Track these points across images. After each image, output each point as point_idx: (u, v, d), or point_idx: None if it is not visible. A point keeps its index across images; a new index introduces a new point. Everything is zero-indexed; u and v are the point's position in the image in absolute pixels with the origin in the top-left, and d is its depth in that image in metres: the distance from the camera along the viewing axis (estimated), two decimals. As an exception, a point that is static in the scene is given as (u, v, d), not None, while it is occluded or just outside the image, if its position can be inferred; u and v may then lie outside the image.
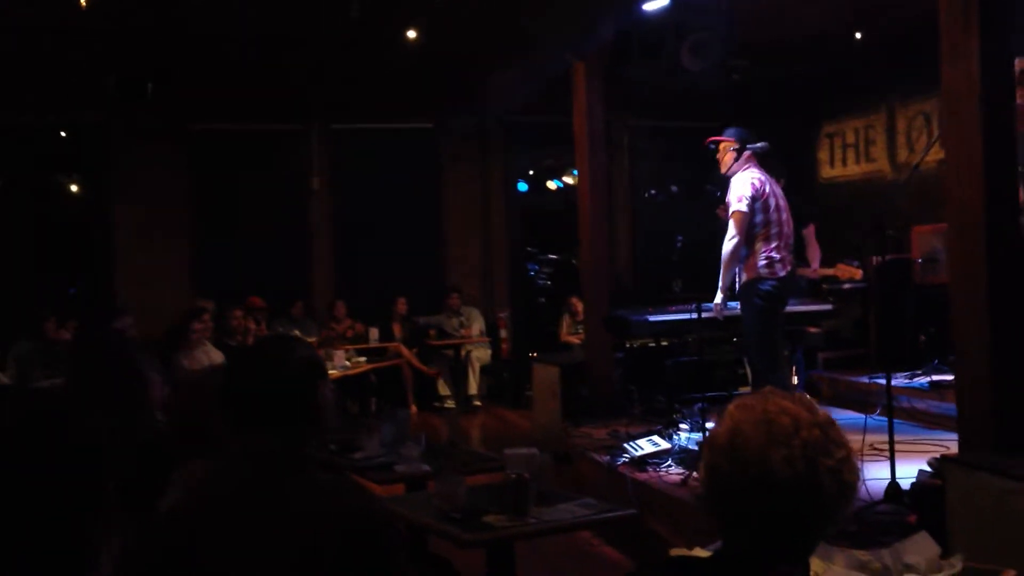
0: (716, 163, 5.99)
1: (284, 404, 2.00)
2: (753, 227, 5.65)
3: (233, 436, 2.03)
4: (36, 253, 10.24)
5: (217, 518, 1.91)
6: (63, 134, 10.56)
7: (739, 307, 5.82)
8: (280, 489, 1.94)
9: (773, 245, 5.66)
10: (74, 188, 10.99)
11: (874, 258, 7.93)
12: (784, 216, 5.76)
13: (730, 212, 5.68)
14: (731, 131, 5.93)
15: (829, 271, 7.76)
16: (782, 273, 5.68)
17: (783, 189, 5.98)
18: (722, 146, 5.89)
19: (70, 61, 9.06)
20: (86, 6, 5.83)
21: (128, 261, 10.35)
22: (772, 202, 5.69)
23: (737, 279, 5.81)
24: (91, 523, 1.32)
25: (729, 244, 5.64)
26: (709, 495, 1.68)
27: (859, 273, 7.25)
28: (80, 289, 10.65)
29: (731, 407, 1.71)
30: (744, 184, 5.66)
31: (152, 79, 8.83)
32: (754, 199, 5.61)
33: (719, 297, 5.77)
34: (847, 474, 1.63)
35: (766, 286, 5.63)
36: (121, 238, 10.38)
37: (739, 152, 5.79)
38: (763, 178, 5.75)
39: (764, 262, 5.64)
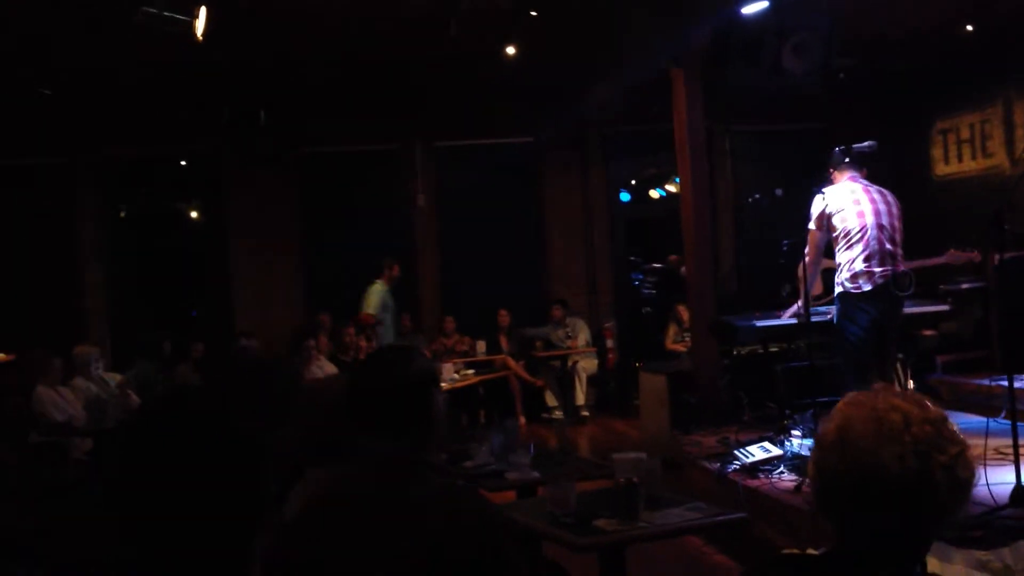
0: (820, 166, 6.10)
1: (402, 410, 2.09)
2: (833, 241, 5.81)
3: (355, 443, 2.12)
4: (157, 278, 10.79)
5: (343, 523, 1.99)
6: (182, 163, 11.10)
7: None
8: (403, 493, 2.01)
9: (857, 256, 5.67)
10: (192, 215, 11.52)
11: (994, 255, 7.62)
12: (874, 220, 5.67)
13: None
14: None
15: (939, 260, 7.45)
16: (867, 287, 5.64)
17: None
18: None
19: (186, 93, 9.53)
20: (202, 41, 6.12)
21: (244, 282, 10.79)
22: (855, 210, 5.70)
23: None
24: (254, 525, 1.36)
25: (804, 260, 5.97)
26: (820, 493, 1.69)
27: (978, 256, 6.94)
28: (201, 311, 11.14)
29: (840, 404, 1.70)
30: (815, 203, 5.85)
31: (263, 107, 9.21)
32: (821, 217, 5.80)
33: (793, 308, 6.22)
34: (962, 471, 1.61)
35: (846, 302, 5.72)
36: (237, 260, 10.82)
37: (838, 167, 5.88)
38: (847, 189, 5.78)
39: (847, 275, 5.71)
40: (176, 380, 8.45)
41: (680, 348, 10.05)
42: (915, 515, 1.59)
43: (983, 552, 2.05)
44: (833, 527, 1.69)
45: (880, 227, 5.67)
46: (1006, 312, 6.75)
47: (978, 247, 6.97)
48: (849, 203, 5.72)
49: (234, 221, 10.86)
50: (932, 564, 2.09)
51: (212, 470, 1.32)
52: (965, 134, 9.97)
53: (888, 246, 5.68)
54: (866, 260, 5.63)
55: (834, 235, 5.78)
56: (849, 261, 5.68)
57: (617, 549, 3.22)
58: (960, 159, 10.08)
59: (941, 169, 10.34)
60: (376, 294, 9.38)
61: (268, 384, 2.85)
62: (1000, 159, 9.47)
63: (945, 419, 1.64)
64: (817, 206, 5.83)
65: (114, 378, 7.66)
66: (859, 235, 5.66)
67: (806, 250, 5.95)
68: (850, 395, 1.70)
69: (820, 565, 1.72)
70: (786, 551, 2.06)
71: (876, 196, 5.77)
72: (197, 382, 7.85)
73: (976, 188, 9.57)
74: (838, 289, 5.77)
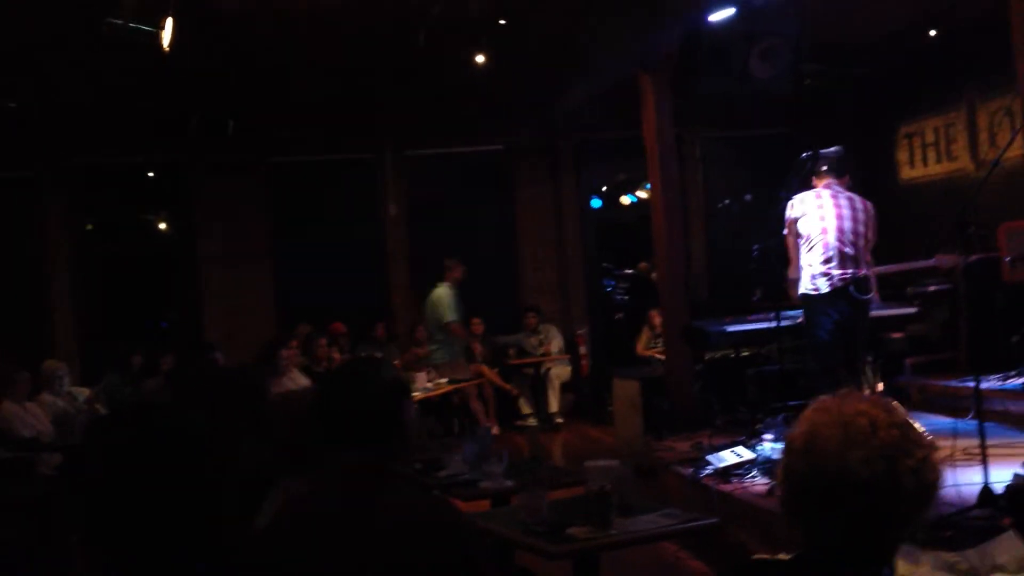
0: (788, 171, 6.20)
1: (372, 422, 2.09)
2: (798, 244, 5.96)
3: (326, 454, 2.11)
4: (126, 290, 10.67)
5: (313, 533, 1.99)
6: (150, 174, 10.99)
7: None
8: (372, 504, 2.02)
9: (816, 259, 5.82)
10: (161, 225, 11.41)
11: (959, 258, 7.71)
12: (836, 224, 5.81)
13: None
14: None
15: (927, 263, 7.52)
16: (826, 289, 5.80)
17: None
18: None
19: (153, 103, 9.44)
20: (170, 50, 6.08)
21: (215, 293, 10.70)
22: (817, 215, 5.85)
23: None
24: (217, 530, 1.37)
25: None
26: (789, 497, 1.70)
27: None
28: (171, 323, 11.03)
29: (808, 410, 1.72)
30: (787, 209, 6.01)
31: (232, 116, 9.15)
32: (790, 222, 5.97)
33: None
34: (928, 474, 1.62)
35: (809, 304, 5.87)
36: (207, 271, 10.73)
37: (818, 174, 6.01)
38: (815, 195, 5.92)
39: (808, 277, 5.87)
40: (145, 394, 8.34)
41: (653, 354, 10.08)
42: (883, 518, 1.60)
43: (950, 554, 2.07)
44: (802, 531, 1.70)
45: (840, 231, 5.81)
46: (973, 314, 6.86)
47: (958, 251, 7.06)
48: (813, 208, 5.90)
49: (203, 231, 10.77)
50: (900, 566, 2.11)
51: (174, 478, 1.34)
52: (930, 138, 10.09)
53: (848, 250, 5.81)
54: (824, 263, 5.80)
55: (798, 239, 5.95)
56: (809, 264, 5.86)
57: (590, 557, 3.22)
58: (925, 163, 10.20)
59: (907, 173, 10.46)
60: (447, 298, 9.32)
61: (235, 396, 2.83)
62: (964, 162, 9.59)
63: (911, 423, 1.66)
64: (787, 212, 6.01)
65: (82, 393, 7.58)
66: (818, 239, 5.83)
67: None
68: (818, 400, 1.72)
69: (790, 569, 1.74)
70: (757, 556, 2.07)
71: (843, 202, 5.89)
72: (165, 395, 7.76)
73: (941, 191, 9.69)
74: (800, 290, 5.94)
